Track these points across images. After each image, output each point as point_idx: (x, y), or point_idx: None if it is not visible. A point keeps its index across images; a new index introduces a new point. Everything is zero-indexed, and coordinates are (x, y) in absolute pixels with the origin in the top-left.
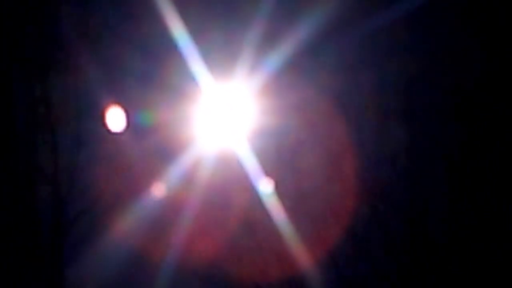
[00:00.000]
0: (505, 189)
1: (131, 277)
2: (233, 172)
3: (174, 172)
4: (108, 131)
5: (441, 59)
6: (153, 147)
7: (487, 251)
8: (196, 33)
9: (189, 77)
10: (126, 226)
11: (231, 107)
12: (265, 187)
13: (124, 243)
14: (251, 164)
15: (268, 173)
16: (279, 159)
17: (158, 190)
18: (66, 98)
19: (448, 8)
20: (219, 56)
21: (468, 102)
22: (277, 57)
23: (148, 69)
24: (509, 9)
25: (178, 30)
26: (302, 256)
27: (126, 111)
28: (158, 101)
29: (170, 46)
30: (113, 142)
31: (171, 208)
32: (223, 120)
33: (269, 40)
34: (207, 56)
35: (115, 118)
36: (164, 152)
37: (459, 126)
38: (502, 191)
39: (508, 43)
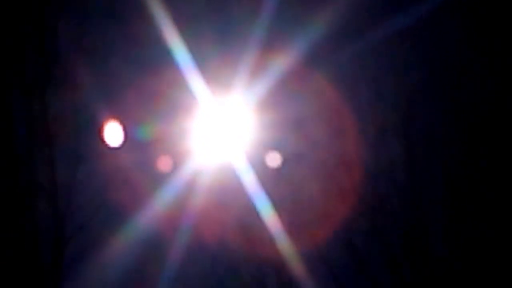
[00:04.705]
0: (503, 202)
1: None
2: (231, 185)
3: (172, 186)
4: (106, 146)
5: (441, 73)
6: (151, 161)
7: (487, 263)
8: (194, 47)
9: (187, 91)
10: (124, 240)
11: (229, 121)
12: (263, 200)
13: (122, 257)
14: (248, 178)
15: (265, 186)
16: (277, 172)
17: (156, 204)
18: (64, 113)
19: (447, 22)
20: (217, 70)
21: (467, 117)
22: (275, 71)
23: (146, 84)
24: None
25: (175, 44)
26: (300, 269)
27: (124, 126)
28: (156, 115)
29: (168, 61)
30: (111, 157)
31: (168, 222)
32: (221, 133)
33: (267, 54)
34: (205, 70)
35: (113, 133)
36: (162, 166)
37: (458, 141)
38: (500, 204)
39: (507, 57)
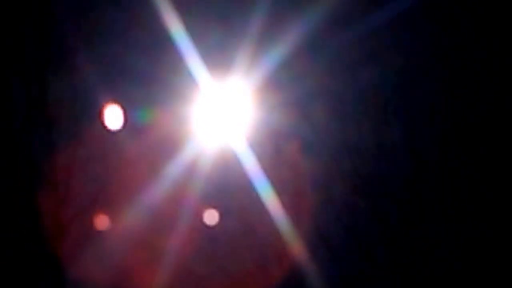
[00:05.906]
0: (502, 183)
1: (130, 276)
2: (231, 169)
3: (173, 170)
4: (106, 129)
5: (437, 57)
6: (151, 145)
7: (487, 246)
8: (194, 31)
9: (187, 75)
10: (125, 224)
11: (229, 105)
12: (263, 184)
13: (123, 241)
14: (249, 161)
15: (266, 170)
16: (277, 156)
17: (157, 188)
18: (64, 97)
19: (446, 6)
20: (217, 53)
21: (465, 99)
22: (275, 55)
23: (146, 67)
24: (505, 9)
25: (175, 27)
26: (301, 252)
27: (124, 109)
28: (156, 98)
29: (167, 44)
30: (111, 141)
31: (169, 206)
32: (221, 117)
33: (267, 37)
34: (205, 53)
35: (113, 117)
36: (162, 150)
37: (455, 122)
38: (499, 185)
39: (505, 41)
